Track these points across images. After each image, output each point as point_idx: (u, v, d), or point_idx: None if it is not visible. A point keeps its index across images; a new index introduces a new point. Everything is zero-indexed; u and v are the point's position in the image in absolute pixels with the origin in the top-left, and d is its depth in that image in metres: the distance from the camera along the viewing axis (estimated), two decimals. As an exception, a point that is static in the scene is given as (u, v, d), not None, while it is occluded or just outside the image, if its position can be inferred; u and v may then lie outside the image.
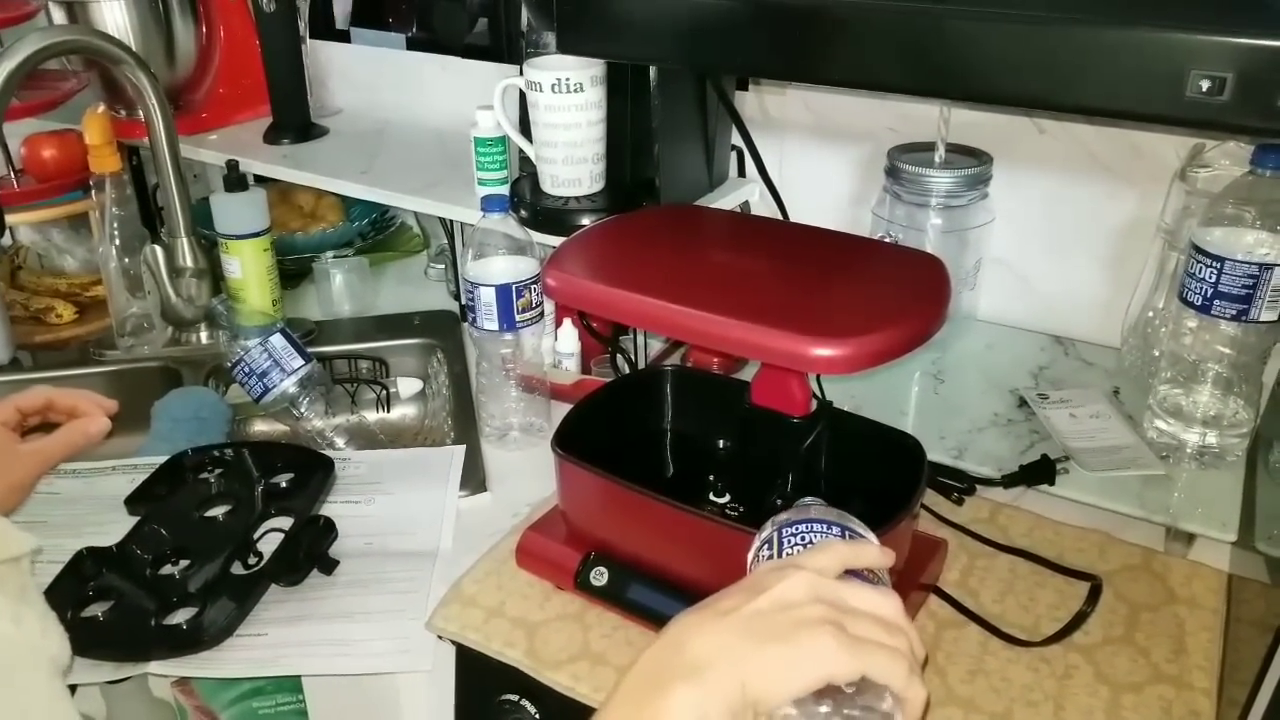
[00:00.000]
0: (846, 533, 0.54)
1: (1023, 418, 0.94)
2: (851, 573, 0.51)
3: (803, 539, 0.54)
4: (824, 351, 0.59)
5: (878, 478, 0.73)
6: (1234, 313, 0.79)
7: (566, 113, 0.95)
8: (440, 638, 0.76)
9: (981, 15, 0.61)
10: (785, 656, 0.45)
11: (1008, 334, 1.07)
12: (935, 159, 0.95)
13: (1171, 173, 0.92)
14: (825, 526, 0.54)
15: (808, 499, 0.61)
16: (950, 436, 0.92)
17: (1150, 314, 0.97)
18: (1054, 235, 1.03)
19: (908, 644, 0.47)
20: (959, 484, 0.87)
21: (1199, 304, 0.81)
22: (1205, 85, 0.55)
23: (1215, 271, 0.79)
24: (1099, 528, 0.84)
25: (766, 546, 0.55)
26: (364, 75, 1.41)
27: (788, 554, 0.53)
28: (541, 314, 0.95)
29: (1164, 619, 0.75)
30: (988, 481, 0.87)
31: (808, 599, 0.47)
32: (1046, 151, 1.00)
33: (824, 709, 0.44)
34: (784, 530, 0.55)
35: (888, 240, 0.95)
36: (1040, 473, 0.86)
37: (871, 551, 0.52)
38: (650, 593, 0.72)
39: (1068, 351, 1.04)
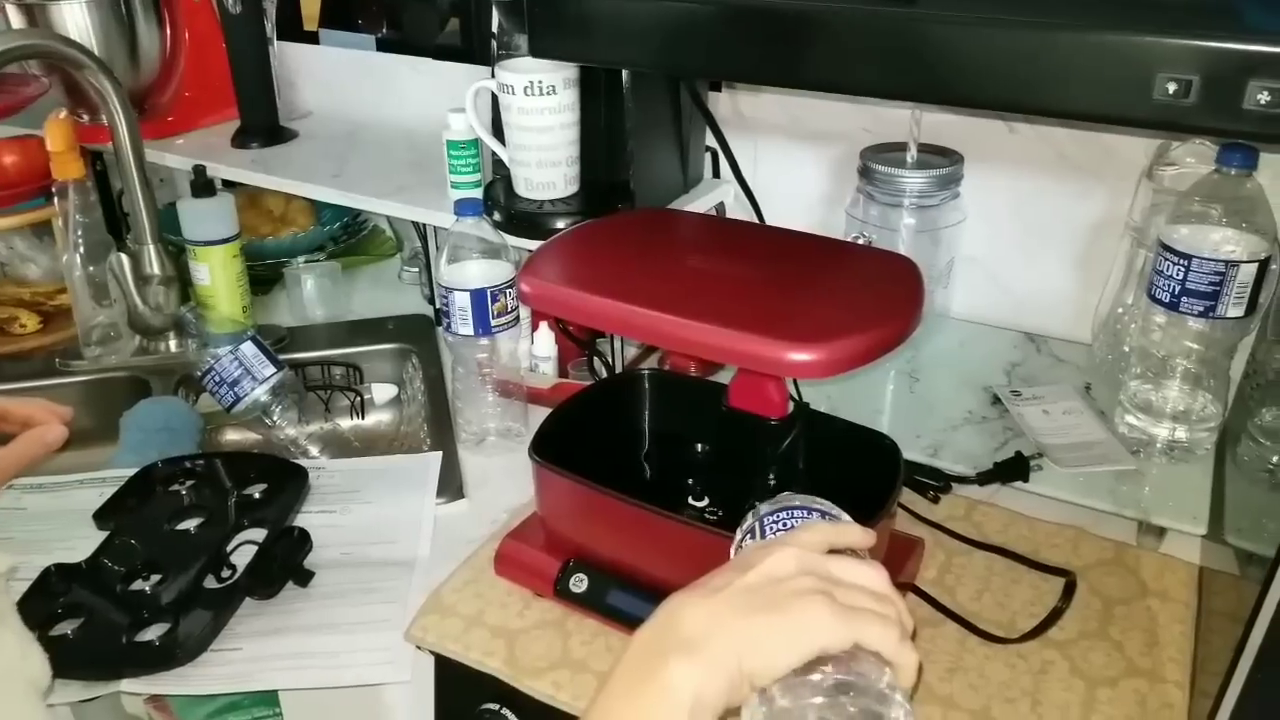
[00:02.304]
0: (826, 516, 0.55)
1: (996, 415, 0.95)
2: (835, 553, 0.52)
3: (784, 524, 0.54)
4: (800, 356, 0.59)
5: (855, 478, 0.73)
6: (1201, 309, 0.80)
7: (539, 115, 0.95)
8: (419, 648, 0.76)
9: (953, 20, 0.61)
10: (779, 627, 0.45)
11: (981, 331, 1.08)
12: (907, 159, 0.96)
13: (1139, 171, 0.93)
14: (805, 512, 0.55)
15: (786, 493, 0.61)
16: (926, 435, 0.92)
17: (1120, 310, 0.98)
18: (1025, 233, 1.04)
19: (896, 612, 0.48)
20: (935, 482, 0.87)
21: (1167, 301, 0.82)
22: (1172, 88, 0.56)
23: (1183, 269, 0.80)
24: (1073, 523, 0.85)
25: (749, 536, 0.55)
26: (333, 77, 1.39)
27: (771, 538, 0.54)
28: (517, 318, 0.94)
29: (1137, 612, 0.76)
30: (963, 479, 0.88)
31: (797, 571, 0.47)
32: (1017, 151, 1.01)
33: (816, 678, 0.44)
34: (765, 519, 0.56)
35: (861, 241, 0.95)
36: (1014, 470, 0.87)
37: (854, 531, 0.53)
38: (631, 599, 0.72)
39: (1040, 348, 1.05)
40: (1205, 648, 0.71)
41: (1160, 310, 0.83)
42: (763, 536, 0.54)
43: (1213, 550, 0.80)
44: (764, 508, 0.57)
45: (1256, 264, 0.78)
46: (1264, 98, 0.54)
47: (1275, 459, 0.80)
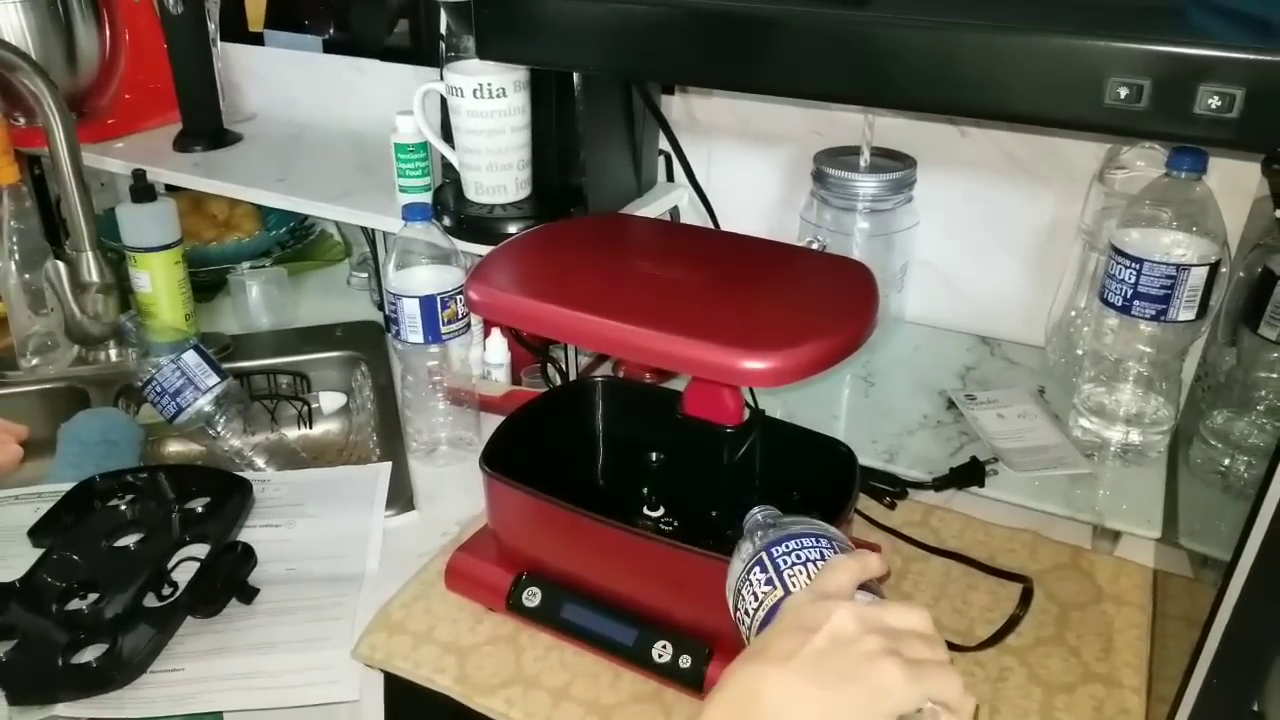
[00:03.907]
0: (833, 544, 0.55)
1: (951, 419, 0.95)
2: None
3: (797, 556, 0.54)
4: (756, 364, 0.58)
5: (811, 485, 0.73)
6: (1153, 313, 0.80)
7: (489, 118, 0.93)
8: (368, 666, 0.74)
9: (905, 23, 0.60)
10: (858, 697, 0.45)
11: (935, 335, 1.08)
12: (861, 164, 0.95)
13: (1090, 175, 0.94)
14: (814, 540, 0.55)
15: (761, 511, 0.61)
16: (881, 440, 0.92)
17: (1073, 313, 0.98)
18: (978, 237, 1.04)
19: (948, 654, 0.48)
20: (891, 488, 0.87)
21: (1119, 304, 0.82)
22: (1124, 92, 0.56)
23: (1135, 273, 0.80)
24: (1028, 527, 0.85)
25: (759, 569, 0.55)
26: (279, 79, 1.36)
27: (789, 575, 0.53)
28: (468, 325, 0.93)
29: (1093, 617, 0.76)
30: (919, 485, 0.87)
31: (860, 632, 0.47)
32: (968, 155, 1.01)
33: None
34: (773, 550, 0.55)
35: (815, 245, 0.95)
36: (970, 475, 0.87)
37: (875, 562, 0.53)
38: (585, 612, 0.71)
39: (993, 351, 1.06)
40: (1161, 652, 0.72)
41: (1113, 314, 0.83)
42: (776, 571, 0.54)
43: (1167, 553, 0.80)
44: (762, 535, 0.57)
45: (1207, 267, 0.79)
46: (1214, 102, 0.54)
47: (1226, 461, 0.81)
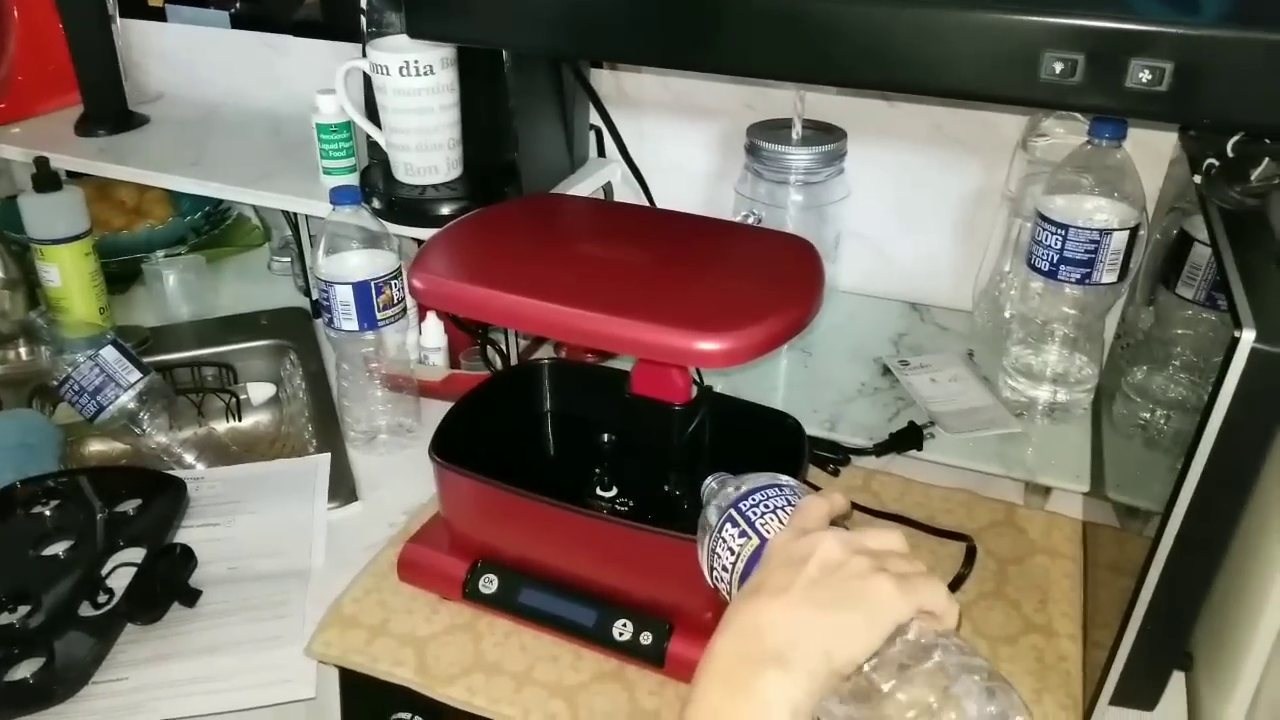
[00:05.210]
0: (796, 490, 0.57)
1: (887, 385, 0.97)
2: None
3: (765, 506, 0.55)
4: (710, 345, 0.59)
5: (761, 458, 0.73)
6: (1079, 276, 0.83)
7: (417, 97, 0.90)
8: (322, 663, 0.72)
9: (843, 1, 0.60)
10: (857, 614, 0.46)
11: (868, 304, 1.10)
12: (793, 137, 0.96)
13: (1013, 143, 0.96)
14: (777, 490, 0.57)
15: (714, 479, 0.62)
16: (822, 409, 0.93)
17: (999, 278, 1.01)
18: (906, 206, 1.06)
19: (925, 569, 0.50)
20: (834, 455, 0.89)
21: (1046, 269, 0.84)
22: (1059, 67, 0.57)
23: (1060, 238, 0.83)
24: (964, 487, 0.88)
25: (730, 525, 0.56)
26: (185, 56, 1.30)
27: (761, 525, 0.54)
28: (404, 310, 0.91)
29: (1029, 570, 0.80)
30: (861, 451, 0.89)
31: (847, 555, 0.48)
32: (896, 125, 1.03)
33: (897, 649, 0.46)
34: (740, 505, 0.56)
35: (751, 220, 0.95)
36: (909, 439, 0.89)
37: (841, 499, 0.55)
38: (543, 596, 0.71)
39: (923, 317, 1.08)
40: (1093, 601, 0.75)
41: (1039, 278, 0.86)
42: (748, 523, 0.55)
43: (1095, 506, 0.84)
44: (724, 497, 0.58)
45: (1128, 231, 0.82)
46: (1145, 75, 0.56)
47: (1146, 415, 0.85)
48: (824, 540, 0.49)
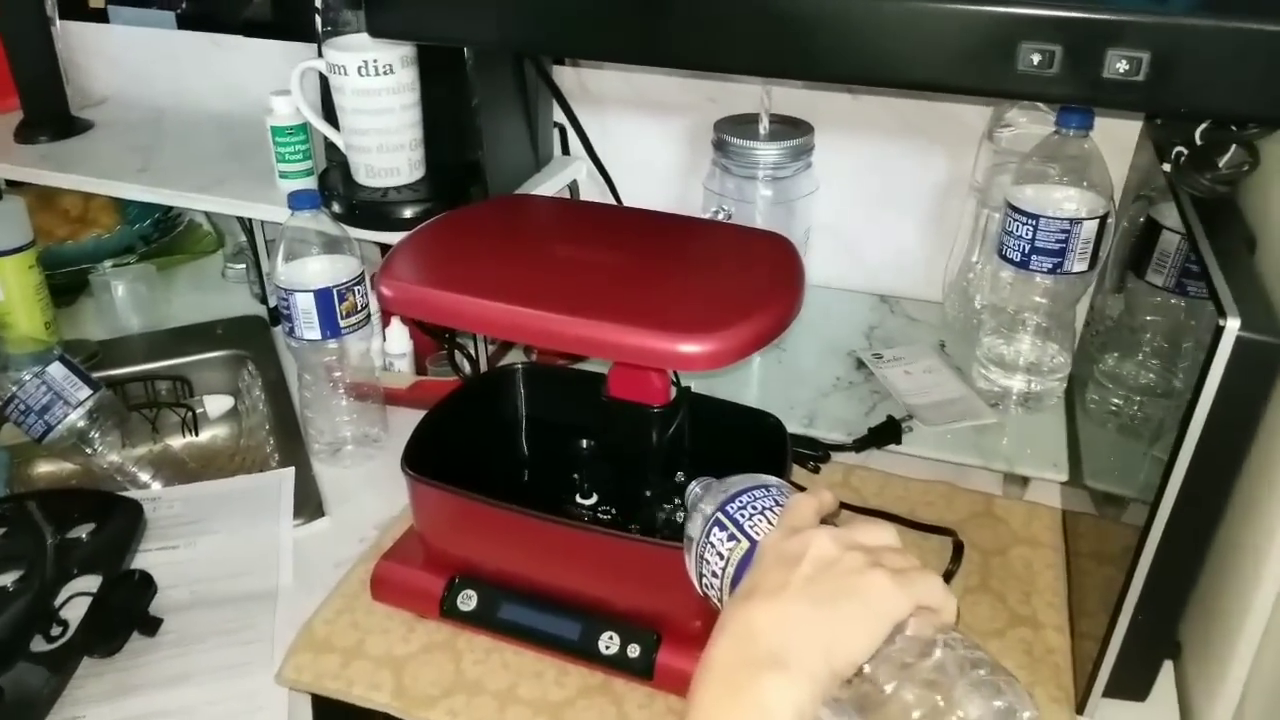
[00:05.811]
0: (782, 490, 0.56)
1: (863, 379, 0.97)
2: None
3: (753, 508, 0.54)
4: (692, 348, 0.57)
5: (743, 459, 0.72)
6: (1050, 266, 0.83)
7: (377, 97, 0.87)
8: (294, 690, 0.70)
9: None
10: (855, 612, 0.45)
11: (839, 297, 1.09)
12: (760, 131, 0.95)
13: (978, 133, 0.96)
14: (763, 491, 0.55)
15: (698, 484, 0.61)
16: (799, 405, 0.92)
17: (968, 269, 1.01)
18: (874, 199, 1.06)
19: (919, 563, 0.48)
20: (814, 452, 0.88)
21: (1018, 260, 0.84)
22: (1036, 59, 0.56)
23: (1031, 228, 0.83)
24: (943, 479, 0.87)
25: (718, 529, 0.54)
26: (129, 58, 1.25)
27: (750, 527, 0.53)
28: (368, 317, 0.88)
29: (1012, 562, 0.79)
30: (840, 447, 0.88)
31: (841, 551, 0.47)
32: (862, 118, 1.02)
33: (897, 647, 0.45)
34: (728, 508, 0.55)
35: (721, 216, 0.94)
36: (887, 433, 0.88)
37: (829, 497, 0.54)
38: (525, 610, 0.69)
39: (894, 309, 1.08)
40: (1078, 591, 0.75)
41: (1010, 268, 0.86)
42: (737, 526, 0.53)
43: (1073, 494, 0.84)
44: (710, 501, 0.56)
45: (1098, 220, 0.82)
46: (1122, 65, 0.55)
47: (1119, 401, 0.85)
48: (817, 537, 0.48)
